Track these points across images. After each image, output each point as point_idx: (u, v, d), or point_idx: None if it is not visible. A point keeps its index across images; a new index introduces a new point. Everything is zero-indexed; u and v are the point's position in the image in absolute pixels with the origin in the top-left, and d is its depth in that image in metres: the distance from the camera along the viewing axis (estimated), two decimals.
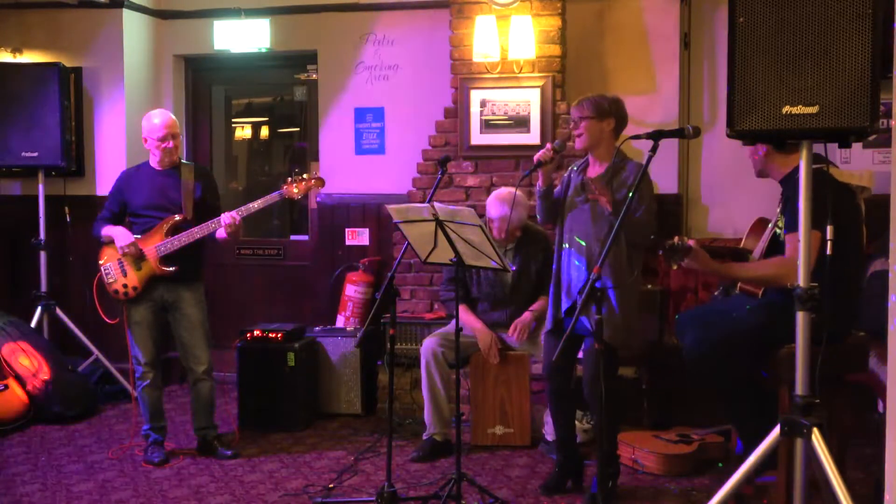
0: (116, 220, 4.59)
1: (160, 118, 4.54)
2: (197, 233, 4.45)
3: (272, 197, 4.51)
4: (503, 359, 4.72)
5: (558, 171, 4.14)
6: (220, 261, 6.07)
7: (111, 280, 4.53)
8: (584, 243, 3.88)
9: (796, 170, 2.89)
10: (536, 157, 3.88)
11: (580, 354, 4.02)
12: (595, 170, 3.96)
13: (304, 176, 4.55)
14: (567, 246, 3.96)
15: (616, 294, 3.77)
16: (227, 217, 4.41)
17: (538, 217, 4.17)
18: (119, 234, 4.49)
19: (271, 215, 6.86)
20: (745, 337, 3.50)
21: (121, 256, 4.49)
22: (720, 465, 4.26)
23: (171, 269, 4.48)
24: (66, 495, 4.17)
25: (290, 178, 4.53)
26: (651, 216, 3.83)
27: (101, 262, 4.56)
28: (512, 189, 4.67)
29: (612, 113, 3.91)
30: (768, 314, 3.43)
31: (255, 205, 4.47)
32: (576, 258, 3.90)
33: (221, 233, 4.47)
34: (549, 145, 3.92)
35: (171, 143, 4.53)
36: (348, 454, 4.71)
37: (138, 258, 4.47)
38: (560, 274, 4.00)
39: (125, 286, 4.51)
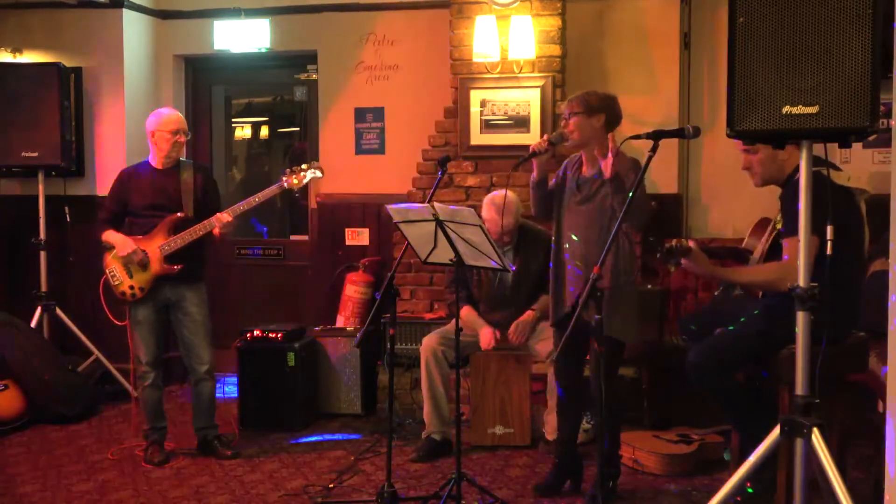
0: (117, 220, 4.60)
1: (170, 112, 4.62)
2: (199, 230, 4.46)
3: (272, 189, 4.53)
4: (503, 359, 4.70)
5: (552, 171, 4.12)
6: (220, 261, 6.06)
7: (117, 282, 4.53)
8: (578, 241, 3.85)
9: (796, 171, 2.89)
10: (532, 147, 3.85)
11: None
12: (587, 169, 3.92)
13: (304, 166, 4.57)
14: (566, 245, 3.92)
15: (617, 292, 3.75)
16: (223, 217, 4.45)
17: (532, 209, 4.12)
18: (120, 243, 4.49)
19: (272, 216, 6.86)
20: (748, 346, 3.50)
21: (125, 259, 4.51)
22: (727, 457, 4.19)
23: (176, 267, 4.48)
24: (66, 495, 4.17)
25: (288, 170, 4.56)
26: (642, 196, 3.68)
27: (105, 264, 4.56)
28: (508, 192, 4.66)
29: (601, 109, 3.82)
30: (769, 320, 3.42)
31: (256, 198, 4.50)
32: (573, 258, 3.88)
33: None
34: (545, 136, 3.89)
35: (182, 138, 4.58)
36: (348, 454, 4.71)
37: (143, 260, 4.48)
38: (558, 272, 3.98)
39: (132, 287, 4.51)
